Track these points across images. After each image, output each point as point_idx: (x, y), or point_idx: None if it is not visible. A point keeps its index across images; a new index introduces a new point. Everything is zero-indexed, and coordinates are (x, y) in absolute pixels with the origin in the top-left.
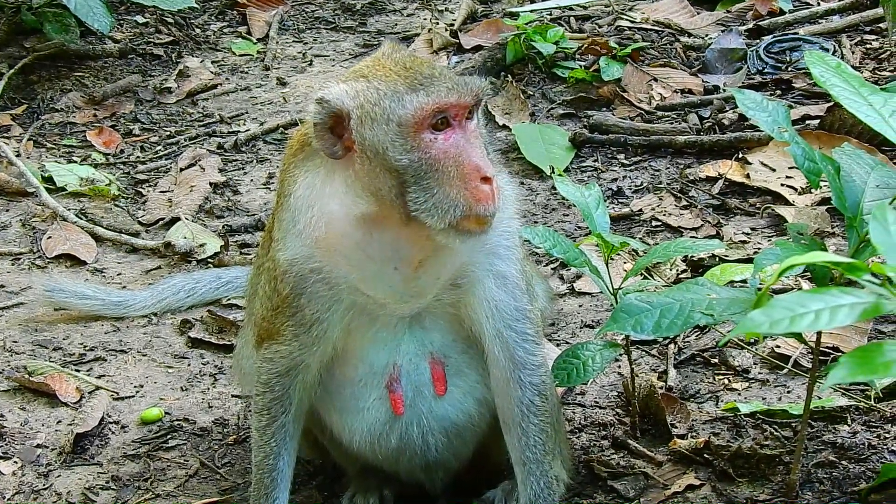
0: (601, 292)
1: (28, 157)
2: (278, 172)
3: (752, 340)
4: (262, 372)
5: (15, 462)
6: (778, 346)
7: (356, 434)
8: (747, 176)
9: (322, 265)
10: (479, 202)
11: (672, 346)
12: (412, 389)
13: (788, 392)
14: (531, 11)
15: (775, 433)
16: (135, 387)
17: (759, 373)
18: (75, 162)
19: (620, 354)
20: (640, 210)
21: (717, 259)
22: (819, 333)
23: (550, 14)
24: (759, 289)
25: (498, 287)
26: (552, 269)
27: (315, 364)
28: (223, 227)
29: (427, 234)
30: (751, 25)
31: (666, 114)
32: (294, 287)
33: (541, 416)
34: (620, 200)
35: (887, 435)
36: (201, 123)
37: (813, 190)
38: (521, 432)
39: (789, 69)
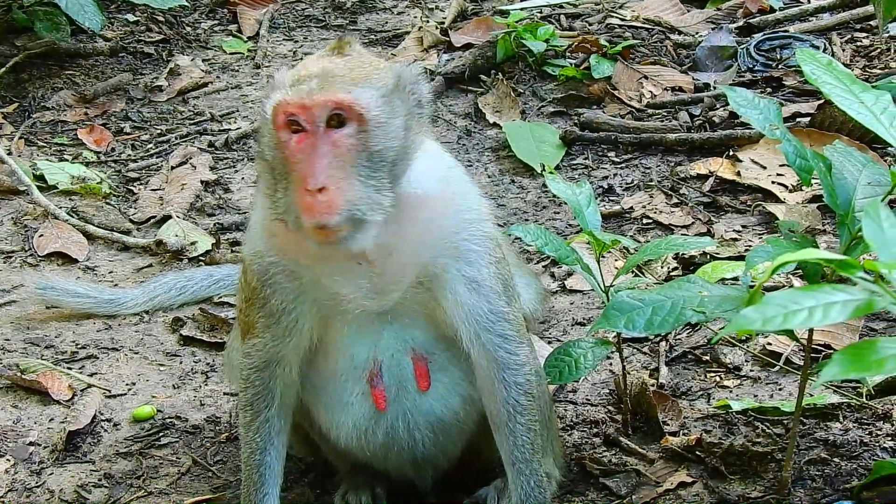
0: (592, 290)
1: (19, 156)
2: None
3: (743, 338)
4: (243, 367)
5: (7, 460)
6: (769, 344)
7: (342, 429)
8: (738, 173)
9: (279, 259)
10: (303, 212)
11: (663, 343)
12: (395, 384)
13: (780, 389)
14: (521, 9)
15: (767, 430)
16: (127, 384)
17: (751, 370)
18: (66, 160)
19: (612, 352)
20: (631, 208)
21: (709, 257)
22: (811, 331)
23: (540, 12)
24: (751, 286)
25: (469, 292)
26: (543, 266)
27: (292, 357)
28: (214, 225)
29: None
30: (741, 23)
31: (656, 111)
32: (259, 279)
33: (527, 415)
34: (611, 198)
35: (879, 432)
36: (192, 122)
37: (804, 187)
38: (508, 432)
39: (780, 67)
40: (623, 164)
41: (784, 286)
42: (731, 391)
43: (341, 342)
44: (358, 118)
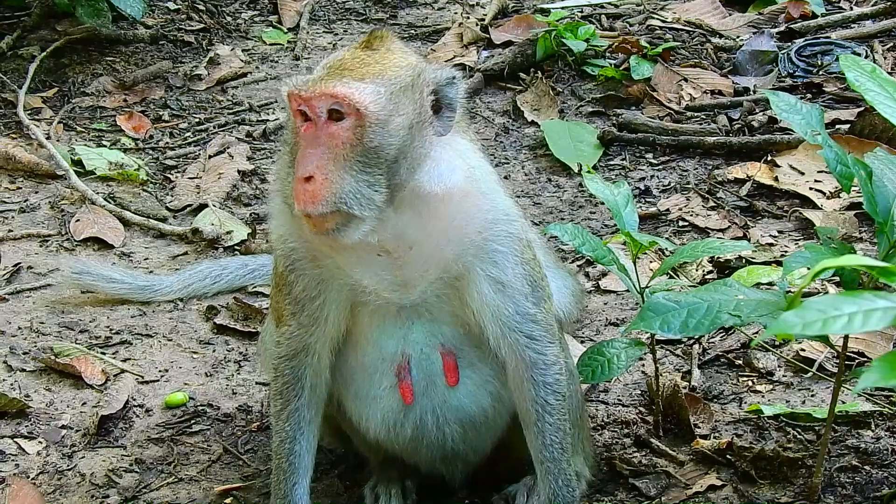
0: (626, 290)
1: (58, 140)
2: None
3: (777, 343)
4: (273, 356)
5: (40, 442)
6: (803, 350)
7: (372, 422)
8: (776, 179)
9: (300, 245)
10: (295, 198)
11: (696, 346)
12: (424, 378)
13: (812, 395)
14: (562, 8)
15: (798, 436)
16: (160, 371)
17: (783, 376)
18: (105, 146)
19: (645, 353)
20: (668, 210)
21: (744, 261)
22: (846, 337)
23: (581, 11)
24: (789, 291)
25: (495, 293)
26: (578, 266)
27: (320, 347)
28: (250, 214)
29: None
30: (782, 28)
31: (695, 114)
32: (285, 264)
33: (556, 414)
34: (648, 200)
35: None
36: (230, 111)
37: (842, 194)
38: (537, 430)
39: (820, 73)
40: (660, 166)
41: (819, 292)
42: (763, 396)
43: (370, 334)
44: (355, 113)
